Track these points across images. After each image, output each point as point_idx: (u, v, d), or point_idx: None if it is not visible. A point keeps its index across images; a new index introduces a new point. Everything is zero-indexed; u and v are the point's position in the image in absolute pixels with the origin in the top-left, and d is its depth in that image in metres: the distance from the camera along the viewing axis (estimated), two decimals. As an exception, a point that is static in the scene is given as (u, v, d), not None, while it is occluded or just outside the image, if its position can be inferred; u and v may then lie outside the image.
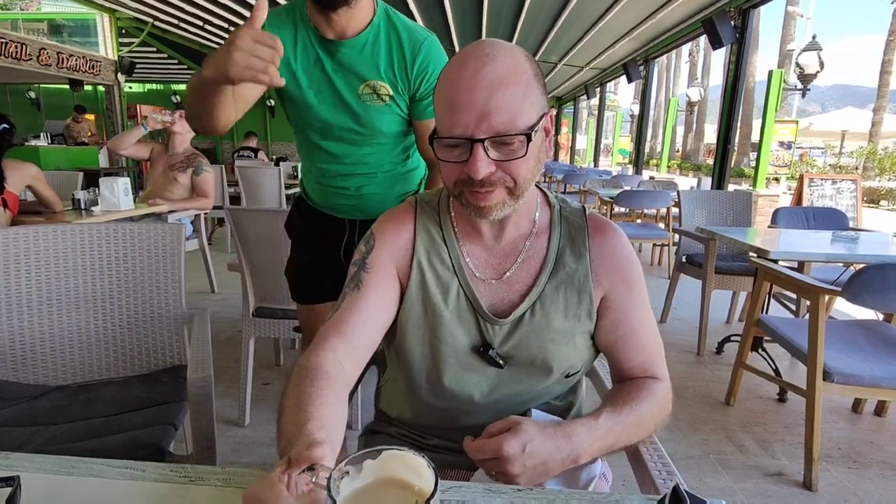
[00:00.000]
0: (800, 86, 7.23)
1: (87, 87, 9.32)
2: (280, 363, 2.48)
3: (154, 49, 9.04)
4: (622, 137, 18.41)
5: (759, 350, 2.29)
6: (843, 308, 3.30)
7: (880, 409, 2.14)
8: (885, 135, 17.73)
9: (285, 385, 0.63)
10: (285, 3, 1.15)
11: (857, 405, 2.17)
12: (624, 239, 0.78)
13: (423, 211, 0.80)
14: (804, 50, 7.11)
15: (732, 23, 4.86)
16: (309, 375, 0.63)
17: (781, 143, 7.03)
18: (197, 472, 0.56)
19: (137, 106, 9.44)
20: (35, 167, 2.43)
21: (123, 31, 8.10)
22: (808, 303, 1.72)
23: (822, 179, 5.12)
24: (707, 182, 5.96)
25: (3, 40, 6.07)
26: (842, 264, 2.44)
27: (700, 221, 3.10)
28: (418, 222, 0.79)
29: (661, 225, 4.83)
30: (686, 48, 26.93)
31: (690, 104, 16.29)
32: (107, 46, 7.88)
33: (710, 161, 15.77)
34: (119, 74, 8.04)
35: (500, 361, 0.74)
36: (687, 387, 2.34)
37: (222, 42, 1.21)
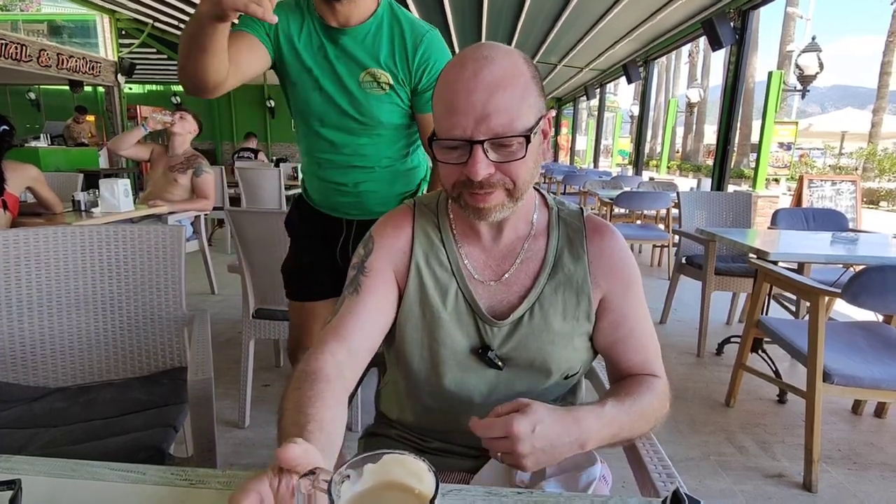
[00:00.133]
0: (799, 87, 7.24)
1: (87, 89, 9.32)
2: (280, 364, 2.48)
3: (154, 50, 9.04)
4: (622, 138, 18.43)
5: (759, 351, 2.29)
6: (843, 309, 3.30)
7: (880, 410, 2.14)
8: (885, 136, 17.74)
9: (285, 388, 0.64)
10: None
11: (857, 406, 2.17)
12: (621, 240, 0.78)
13: (422, 213, 0.81)
14: (804, 51, 7.13)
15: (732, 24, 4.87)
16: (309, 379, 0.63)
17: (781, 144, 7.03)
18: (198, 476, 0.56)
19: (137, 107, 9.46)
20: (35, 169, 2.43)
21: (123, 32, 8.11)
22: (807, 304, 1.72)
23: (821, 180, 5.13)
24: (707, 183, 5.97)
25: (3, 41, 6.08)
26: (841, 266, 2.44)
27: (700, 222, 3.10)
28: (416, 224, 0.79)
29: (661, 226, 4.83)
30: (686, 49, 26.96)
31: (690, 105, 16.31)
32: (107, 47, 7.89)
33: (710, 162, 15.77)
34: (119, 75, 8.05)
35: (499, 363, 0.74)
36: (687, 388, 2.34)
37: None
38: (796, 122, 8.02)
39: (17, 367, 1.29)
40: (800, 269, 2.33)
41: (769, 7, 4.93)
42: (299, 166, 4.85)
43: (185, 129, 3.18)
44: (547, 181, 8.63)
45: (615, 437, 0.67)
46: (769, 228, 2.98)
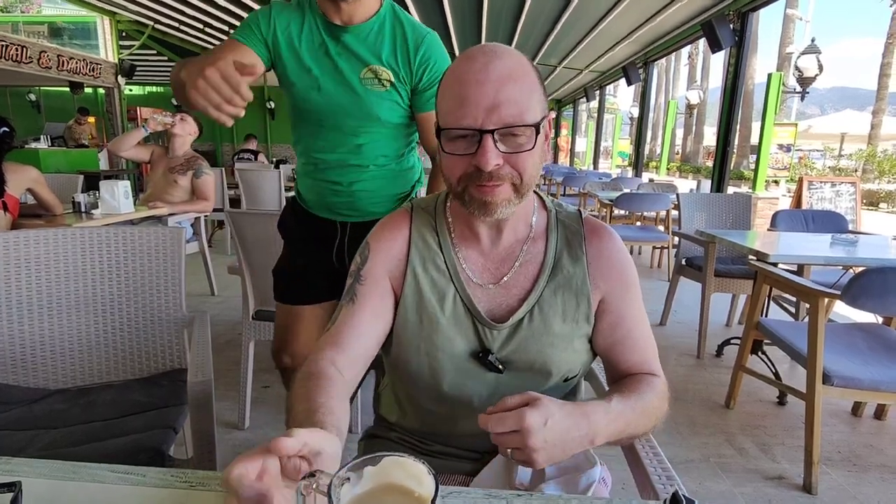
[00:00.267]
0: (799, 88, 7.25)
1: (88, 90, 9.33)
2: (280, 366, 2.47)
3: (154, 52, 9.06)
4: (621, 140, 18.44)
5: (759, 353, 2.29)
6: (843, 311, 3.30)
7: (880, 412, 2.14)
8: (885, 137, 17.75)
9: (290, 388, 0.66)
10: None
11: (856, 408, 2.17)
12: (619, 242, 0.79)
13: (419, 216, 0.81)
14: (803, 53, 7.14)
15: (731, 26, 4.88)
16: (312, 378, 0.65)
17: (781, 146, 7.04)
18: (198, 478, 0.56)
19: (138, 108, 9.46)
20: (35, 170, 2.43)
21: (124, 34, 8.12)
22: (807, 306, 1.73)
23: (821, 182, 5.13)
24: (706, 184, 5.98)
25: (3, 43, 6.08)
26: (841, 267, 2.45)
27: (699, 224, 3.11)
28: (414, 228, 0.79)
29: (661, 227, 4.83)
30: (685, 51, 27.00)
31: (690, 107, 16.34)
32: (107, 49, 7.90)
33: (710, 163, 15.80)
34: (119, 77, 8.05)
35: (500, 366, 0.74)
36: (687, 390, 2.34)
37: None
38: (796, 124, 8.02)
39: (17, 368, 1.29)
40: (799, 270, 2.33)
41: (769, 9, 4.94)
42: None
43: (186, 131, 3.18)
44: (547, 182, 8.63)
45: (622, 434, 0.66)
46: (769, 230, 2.98)
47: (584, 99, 11.44)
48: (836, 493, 1.65)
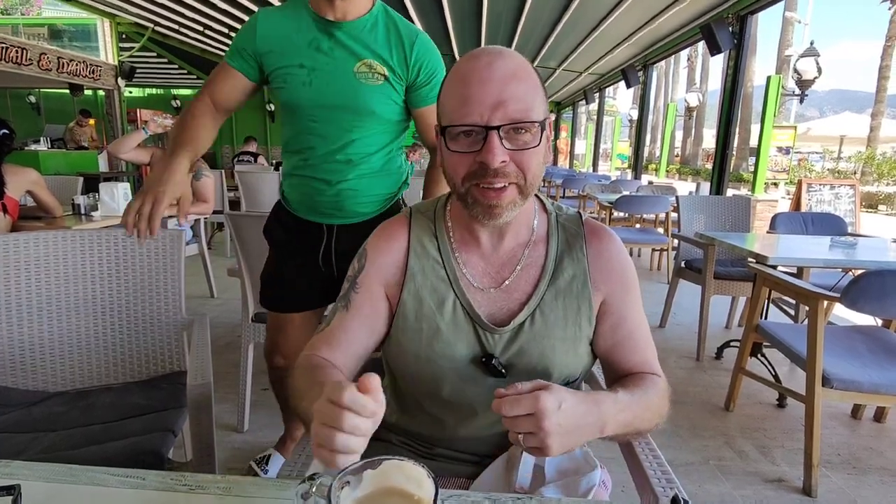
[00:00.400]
0: (797, 91, 7.27)
1: (88, 92, 9.33)
2: (279, 368, 2.47)
3: (154, 54, 9.07)
4: (621, 142, 18.45)
5: (759, 355, 2.29)
6: (842, 314, 3.30)
7: (880, 414, 2.14)
8: (884, 139, 17.78)
9: (291, 381, 0.71)
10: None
11: (856, 411, 2.17)
12: (619, 243, 0.79)
13: (418, 222, 0.81)
14: (802, 56, 7.16)
15: (730, 29, 4.89)
16: (316, 368, 0.71)
17: (780, 148, 7.05)
18: (197, 481, 0.56)
19: (138, 110, 9.46)
20: (35, 172, 2.43)
21: (124, 36, 8.12)
22: (806, 308, 1.73)
23: (820, 184, 5.14)
24: (706, 187, 5.98)
25: (3, 45, 6.09)
26: (840, 270, 2.45)
27: (699, 226, 3.11)
28: (412, 234, 0.79)
29: (660, 230, 4.83)
30: (684, 53, 27.05)
31: (689, 109, 16.37)
32: (107, 51, 7.90)
33: (709, 166, 15.82)
34: (119, 79, 8.05)
35: (503, 370, 0.74)
36: (686, 392, 2.34)
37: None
38: (795, 127, 8.04)
39: (16, 371, 1.29)
40: (799, 273, 2.33)
41: (768, 12, 4.96)
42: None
43: (186, 133, 3.17)
44: (546, 185, 8.64)
45: (629, 427, 0.66)
46: (768, 232, 2.98)
47: (584, 101, 11.46)
48: (835, 496, 1.65)
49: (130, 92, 11.94)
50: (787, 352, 1.80)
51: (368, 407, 0.47)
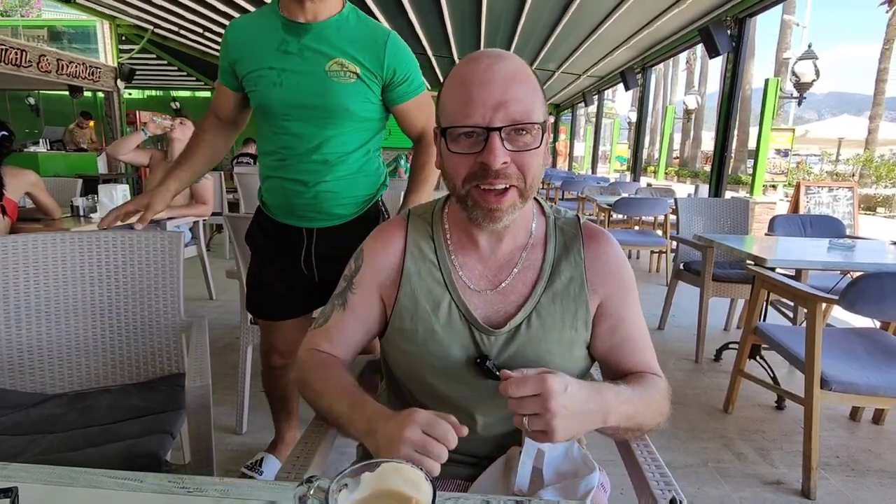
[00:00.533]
0: (796, 94, 7.29)
1: (87, 94, 9.33)
2: (278, 370, 2.47)
3: (154, 56, 9.07)
4: (620, 144, 18.49)
5: (757, 358, 2.30)
6: (841, 316, 3.30)
7: (878, 416, 2.14)
8: (882, 142, 17.83)
9: (299, 373, 0.79)
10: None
11: (854, 413, 2.17)
12: (617, 246, 0.79)
13: (415, 224, 0.81)
14: (800, 58, 7.18)
15: (729, 32, 4.90)
16: (325, 365, 0.78)
17: (778, 151, 7.07)
18: (195, 483, 0.56)
19: (137, 112, 9.46)
20: (34, 174, 2.43)
21: (123, 38, 8.11)
22: (805, 311, 1.73)
23: (818, 187, 5.15)
24: (704, 189, 5.99)
25: (3, 47, 6.08)
26: (839, 272, 2.45)
27: (697, 229, 3.11)
28: (409, 237, 0.80)
29: (659, 232, 4.84)
30: (683, 56, 27.13)
31: (688, 112, 16.38)
32: (107, 53, 7.90)
33: (708, 168, 15.85)
34: (119, 81, 8.05)
35: (497, 373, 0.74)
36: (685, 394, 2.34)
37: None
38: (793, 129, 8.06)
39: (14, 373, 1.29)
40: (797, 275, 2.34)
41: (766, 15, 4.96)
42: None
43: (186, 135, 3.17)
44: (545, 187, 8.65)
45: (631, 420, 0.67)
46: (766, 235, 2.99)
47: (583, 104, 11.47)
48: (834, 499, 1.65)
49: (130, 94, 11.95)
50: (785, 354, 1.80)
51: (451, 444, 0.58)
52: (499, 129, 0.64)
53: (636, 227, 5.37)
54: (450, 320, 0.76)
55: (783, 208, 6.33)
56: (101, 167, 7.88)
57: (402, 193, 1.40)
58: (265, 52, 1.18)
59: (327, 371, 0.77)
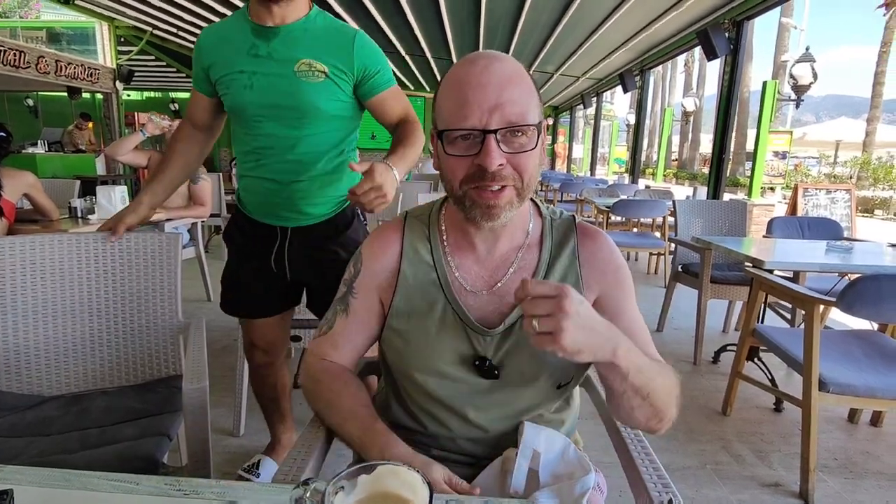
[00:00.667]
0: (794, 96, 7.31)
1: (86, 95, 9.32)
2: (276, 372, 2.46)
3: (153, 57, 9.06)
4: (618, 146, 18.53)
5: (755, 360, 2.30)
6: (839, 318, 3.31)
7: (876, 419, 2.14)
8: (879, 144, 17.89)
9: (307, 383, 0.81)
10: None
11: (852, 415, 2.17)
12: (611, 243, 0.80)
13: (412, 226, 0.82)
14: (798, 61, 7.19)
15: (727, 34, 4.92)
16: (332, 375, 0.80)
17: (776, 153, 7.08)
18: (191, 486, 0.56)
19: (136, 114, 9.45)
20: (32, 175, 2.43)
21: (122, 40, 8.11)
22: (803, 313, 1.73)
23: (816, 189, 5.17)
24: (703, 191, 6.00)
25: (1, 48, 6.08)
26: (837, 274, 2.46)
27: (696, 231, 3.11)
28: (406, 239, 0.80)
29: (657, 234, 4.84)
30: (681, 59, 27.22)
31: (686, 114, 16.41)
32: (105, 54, 7.89)
33: (706, 170, 15.89)
34: (117, 82, 8.05)
35: (496, 372, 0.75)
36: (683, 396, 2.33)
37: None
38: (791, 132, 8.08)
39: (10, 374, 1.28)
40: (795, 277, 2.34)
41: (764, 18, 4.99)
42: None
43: (184, 137, 3.17)
44: (544, 189, 8.66)
45: (640, 374, 0.63)
46: (764, 237, 2.99)
47: (581, 106, 11.49)
48: (832, 501, 1.65)
49: (129, 95, 11.94)
50: (783, 356, 1.80)
51: None
52: (494, 132, 0.65)
53: (634, 229, 5.38)
54: (444, 321, 0.76)
55: (781, 210, 6.34)
56: (100, 169, 7.87)
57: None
58: (236, 56, 1.21)
59: (339, 386, 0.79)
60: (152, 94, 13.44)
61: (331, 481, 0.41)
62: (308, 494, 0.43)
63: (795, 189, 5.17)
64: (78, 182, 3.40)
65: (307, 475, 0.69)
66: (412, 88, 11.52)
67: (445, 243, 0.79)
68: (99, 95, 8.84)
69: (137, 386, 1.36)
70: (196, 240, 3.52)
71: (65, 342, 1.33)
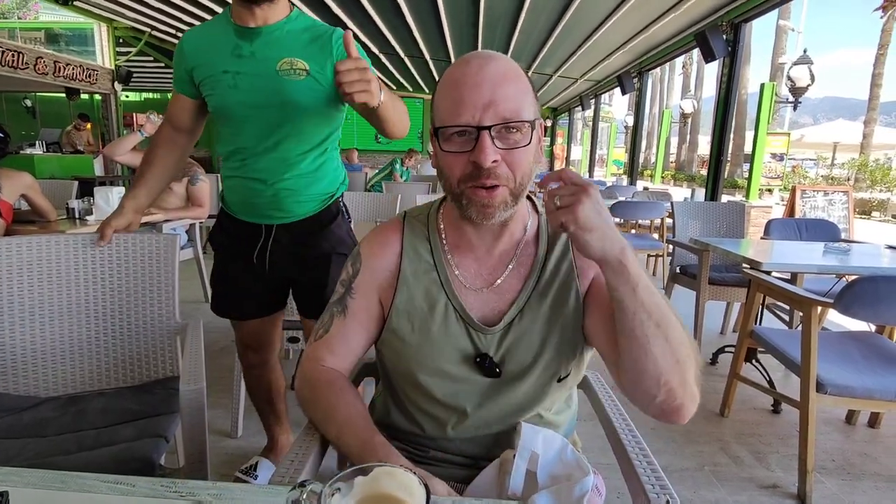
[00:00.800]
0: (791, 98, 7.33)
1: (84, 96, 9.31)
2: (274, 374, 2.46)
3: (151, 58, 9.05)
4: (617, 148, 18.57)
5: (753, 361, 2.30)
6: (836, 319, 3.32)
7: (874, 420, 2.14)
8: (877, 146, 17.95)
9: (303, 390, 0.79)
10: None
11: (850, 416, 2.17)
12: None
13: (411, 226, 0.82)
14: (795, 63, 7.23)
15: (724, 36, 4.93)
16: (328, 382, 0.78)
17: (774, 155, 7.10)
18: (188, 488, 0.56)
19: (134, 115, 9.45)
20: (30, 176, 2.42)
21: (121, 41, 8.11)
22: (800, 314, 1.73)
23: (814, 191, 5.18)
24: (701, 193, 6.01)
25: (0, 48, 6.08)
26: (834, 276, 2.46)
27: (694, 232, 3.12)
28: (406, 239, 0.81)
29: (655, 235, 4.85)
30: (679, 61, 27.28)
31: (684, 116, 16.45)
32: (104, 55, 7.89)
33: (704, 172, 15.91)
34: (116, 83, 8.04)
35: (498, 370, 0.75)
36: (682, 398, 2.34)
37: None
38: (788, 133, 8.11)
39: (6, 376, 1.28)
40: (793, 279, 2.34)
41: (761, 20, 5.01)
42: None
43: (182, 137, 3.16)
44: (543, 190, 8.64)
45: (649, 292, 0.62)
46: (762, 238, 3.00)
47: (580, 107, 11.50)
48: (829, 502, 1.65)
49: (127, 96, 11.92)
50: (781, 357, 1.80)
51: None
52: (488, 128, 0.66)
53: (633, 231, 5.38)
54: (446, 320, 0.76)
55: (779, 212, 6.35)
56: (98, 169, 7.86)
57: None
58: (220, 57, 1.22)
59: (336, 396, 0.76)
60: (151, 95, 13.44)
61: (327, 483, 0.41)
62: (304, 496, 0.43)
63: (793, 191, 5.18)
64: (76, 183, 3.39)
65: (304, 477, 0.69)
66: (411, 90, 11.53)
67: (445, 242, 0.80)
68: (97, 96, 8.85)
69: (134, 387, 1.36)
70: (194, 241, 3.51)
71: (62, 343, 1.33)
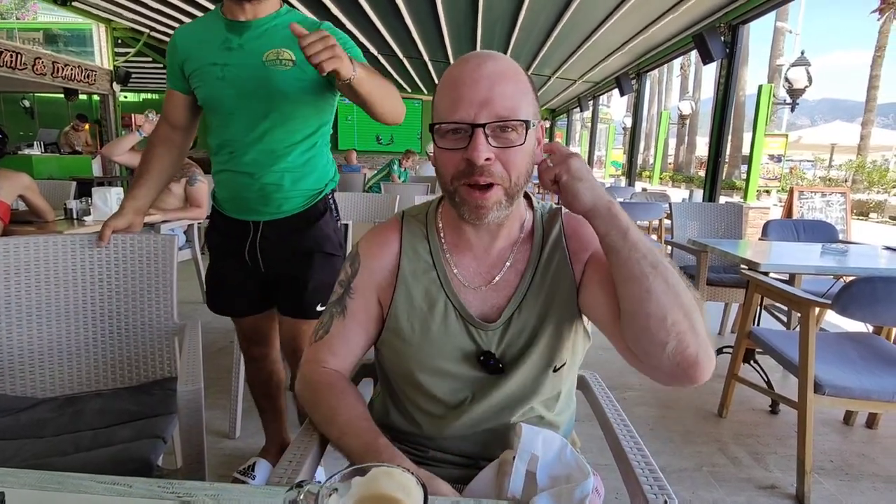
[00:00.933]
0: (789, 100, 7.36)
1: (82, 97, 9.30)
2: (272, 375, 2.45)
3: (150, 59, 9.04)
4: (615, 149, 18.58)
5: (751, 362, 2.30)
6: (834, 320, 3.32)
7: (872, 421, 2.14)
8: (874, 148, 18.02)
9: (304, 392, 0.79)
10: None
11: (848, 417, 2.18)
12: None
13: (410, 226, 0.82)
14: (793, 65, 7.25)
15: (722, 38, 4.94)
16: (334, 390, 0.77)
17: (771, 156, 7.12)
18: (185, 489, 0.56)
19: (132, 115, 9.44)
20: (27, 177, 2.42)
21: (119, 41, 8.10)
22: (798, 315, 1.74)
23: (812, 192, 5.18)
24: (699, 194, 6.02)
25: (-2, 49, 6.07)
26: (832, 277, 2.46)
27: (692, 233, 3.12)
28: (404, 238, 0.81)
29: (654, 236, 4.85)
30: (678, 62, 27.34)
31: (682, 117, 16.47)
32: (102, 56, 7.88)
33: (702, 173, 15.94)
34: (114, 84, 8.03)
35: (501, 366, 0.76)
36: (679, 398, 2.34)
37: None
38: (786, 135, 8.13)
39: (3, 376, 1.28)
40: (791, 280, 2.35)
41: (759, 22, 5.02)
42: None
43: (180, 138, 3.16)
44: (542, 192, 8.66)
45: (639, 236, 0.66)
46: (760, 239, 3.00)
47: (578, 109, 11.52)
48: (828, 503, 1.65)
49: (126, 97, 11.90)
50: (779, 358, 1.80)
51: None
52: (483, 126, 0.66)
53: (631, 232, 5.37)
54: (446, 319, 0.77)
55: (777, 213, 6.36)
56: (96, 170, 7.85)
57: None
58: (210, 50, 1.25)
59: (337, 398, 0.76)
60: (149, 95, 13.42)
61: (324, 483, 0.41)
62: (302, 497, 0.42)
63: (791, 192, 5.19)
64: (74, 183, 3.38)
65: (302, 477, 0.69)
66: (409, 91, 11.53)
67: (443, 241, 0.80)
68: (96, 97, 8.83)
69: (132, 388, 1.35)
70: (192, 241, 3.50)
71: (59, 344, 1.32)
